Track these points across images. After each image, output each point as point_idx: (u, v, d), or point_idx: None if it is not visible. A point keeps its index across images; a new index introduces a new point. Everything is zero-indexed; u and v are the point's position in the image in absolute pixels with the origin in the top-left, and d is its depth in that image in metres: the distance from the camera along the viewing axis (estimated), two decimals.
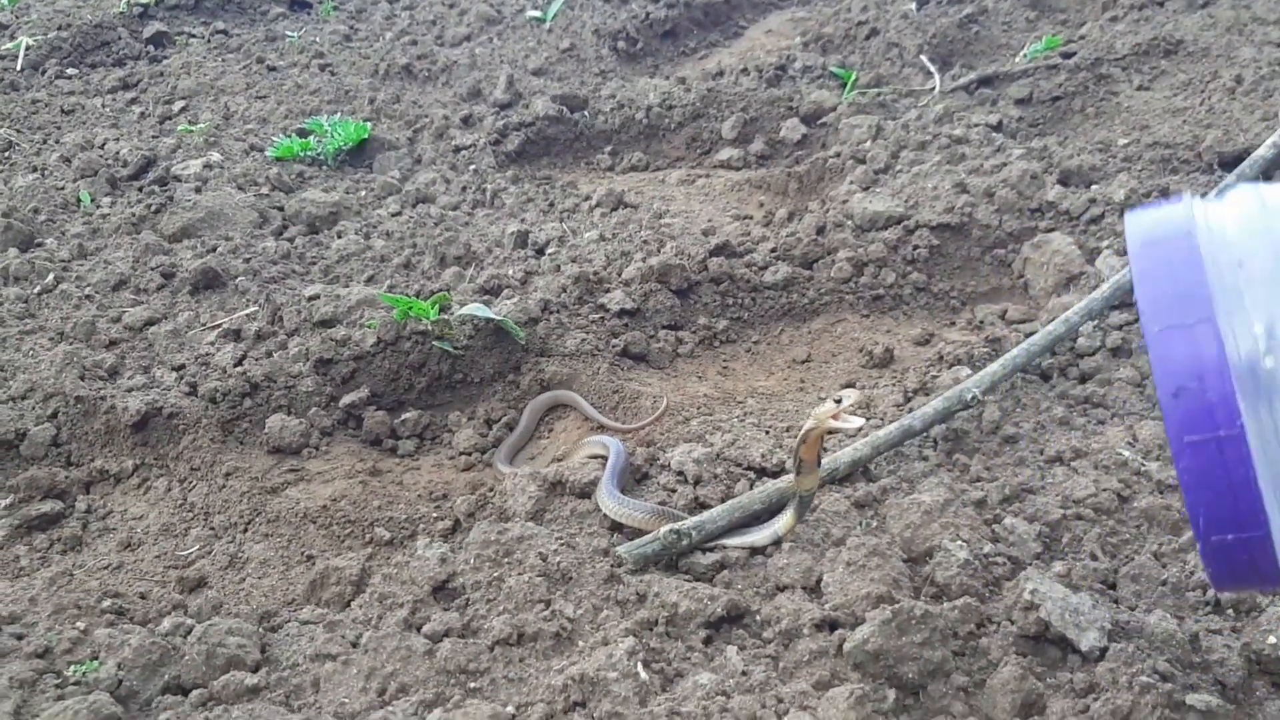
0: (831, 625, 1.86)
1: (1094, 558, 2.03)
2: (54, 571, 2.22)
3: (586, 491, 2.21)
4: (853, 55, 5.13)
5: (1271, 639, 1.80)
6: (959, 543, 2.01)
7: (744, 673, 1.77)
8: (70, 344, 2.97)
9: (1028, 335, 2.73)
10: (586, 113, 4.64)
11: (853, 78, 4.72)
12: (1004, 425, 2.41)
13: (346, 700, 1.76)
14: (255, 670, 1.87)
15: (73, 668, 1.89)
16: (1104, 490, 2.15)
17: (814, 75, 4.91)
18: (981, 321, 3.00)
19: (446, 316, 2.79)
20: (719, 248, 3.19)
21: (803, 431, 1.93)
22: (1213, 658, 1.79)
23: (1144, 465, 2.22)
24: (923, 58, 4.86)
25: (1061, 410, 2.44)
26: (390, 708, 1.72)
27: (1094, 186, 3.32)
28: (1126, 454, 2.26)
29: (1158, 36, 4.55)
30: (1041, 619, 1.81)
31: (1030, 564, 2.01)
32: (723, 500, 2.16)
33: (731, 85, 4.78)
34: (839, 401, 1.89)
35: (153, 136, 4.78)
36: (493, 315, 2.75)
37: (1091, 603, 1.85)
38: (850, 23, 5.36)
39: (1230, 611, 1.90)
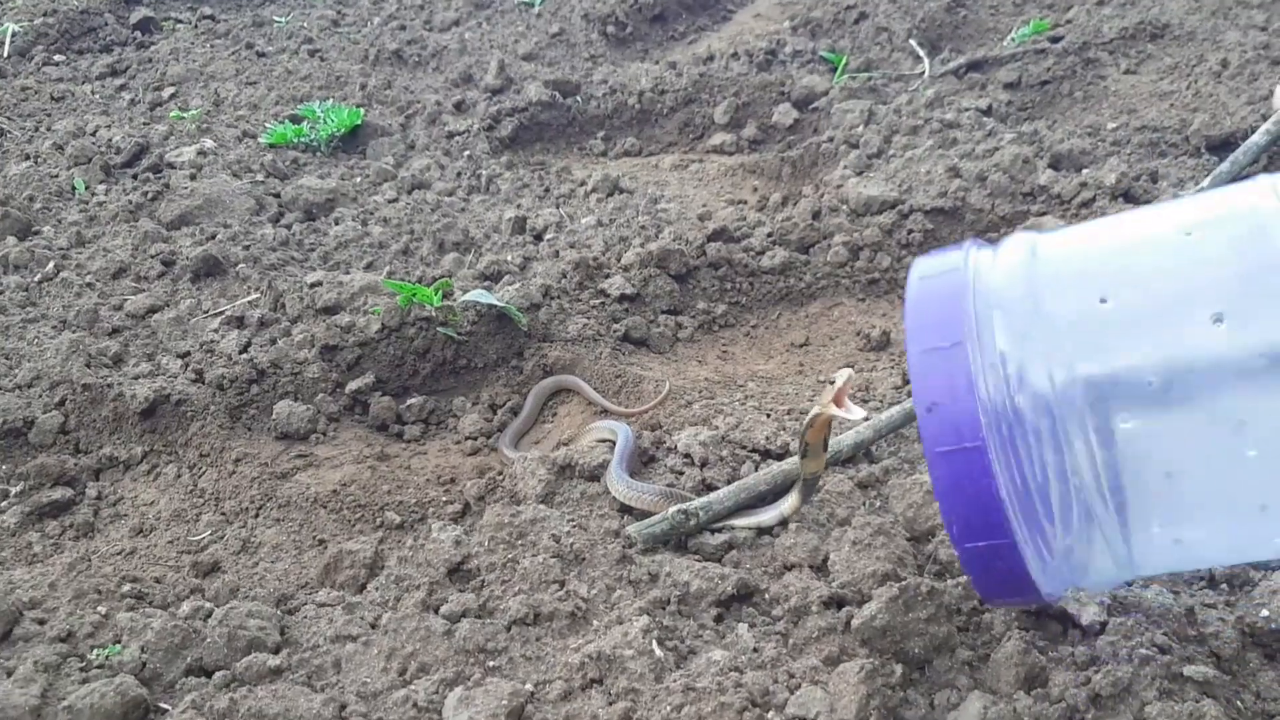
0: (839, 603, 1.91)
1: None
2: (73, 557, 2.25)
3: (596, 475, 2.26)
4: (842, 39, 5.16)
5: (1265, 612, 1.86)
6: None
7: (755, 649, 1.82)
8: (74, 332, 3.00)
9: None
10: (579, 98, 4.66)
11: (843, 62, 4.76)
12: None
13: (368, 680, 1.81)
14: (276, 652, 1.91)
15: (95, 651, 1.92)
16: None
17: (804, 60, 4.94)
18: None
19: (450, 303, 2.82)
20: (717, 233, 3.23)
21: (809, 417, 1.98)
22: (1208, 630, 1.85)
23: None
24: (912, 42, 4.91)
25: None
26: (412, 686, 1.77)
27: (1085, 170, 3.37)
28: None
29: (1144, 20, 4.61)
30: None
31: None
32: (729, 482, 2.21)
33: (723, 70, 4.81)
34: (833, 383, 1.93)
35: (144, 123, 4.79)
36: (496, 301, 2.79)
37: None
38: (839, 6, 5.39)
39: (1224, 586, 1.96)
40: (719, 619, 1.91)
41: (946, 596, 1.83)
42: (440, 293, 2.80)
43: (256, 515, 2.43)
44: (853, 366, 2.81)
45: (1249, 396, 1.19)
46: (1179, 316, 1.23)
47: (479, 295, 2.79)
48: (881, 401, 2.53)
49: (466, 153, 4.31)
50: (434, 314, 2.80)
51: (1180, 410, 1.22)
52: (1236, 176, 3.05)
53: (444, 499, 2.43)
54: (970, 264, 1.30)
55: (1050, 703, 1.72)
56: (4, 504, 2.52)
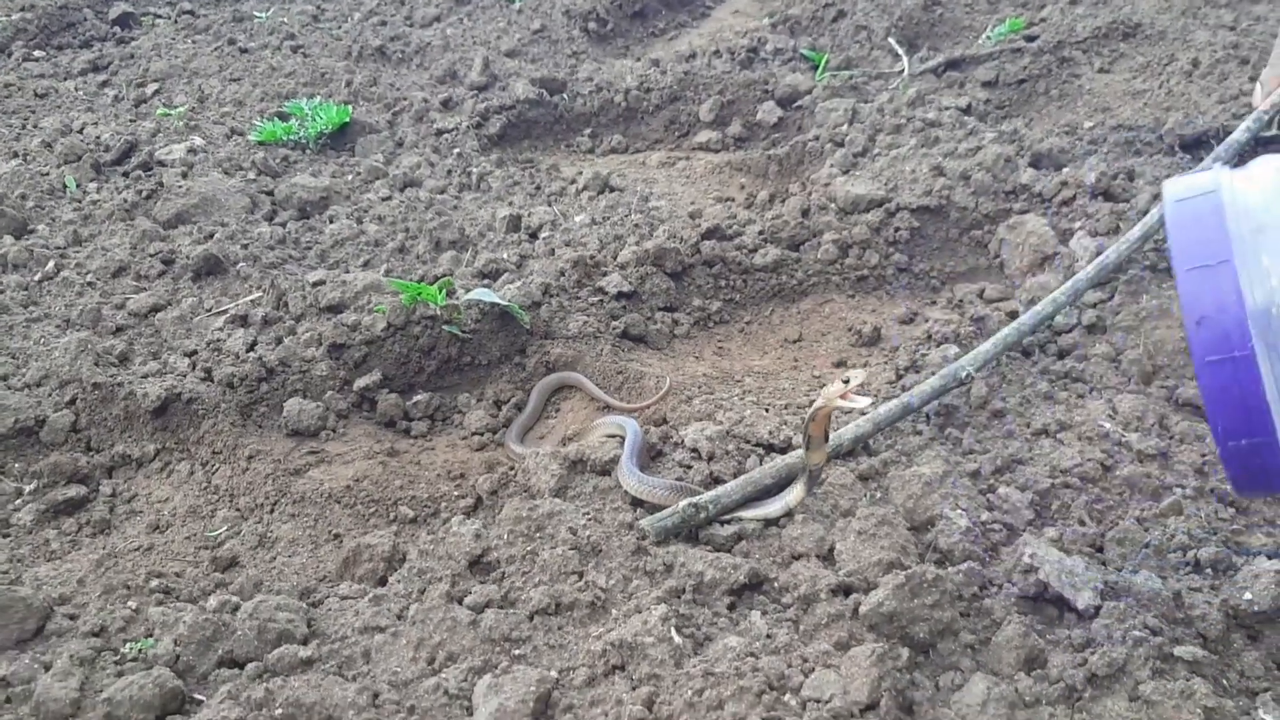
0: (846, 590, 2.00)
1: (1082, 523, 2.19)
2: (99, 554, 2.30)
3: (607, 469, 2.33)
4: (821, 37, 5.25)
5: (1247, 595, 1.96)
6: (959, 511, 2.16)
7: (769, 635, 1.90)
8: (79, 331, 3.03)
9: (1010, 315, 2.89)
10: (565, 95, 4.73)
11: (824, 60, 4.85)
12: (992, 400, 2.56)
13: (399, 669, 1.87)
14: (305, 643, 1.97)
15: (129, 645, 1.98)
16: (1089, 460, 2.31)
17: (785, 58, 5.03)
18: (961, 300, 3.15)
19: (454, 301, 2.88)
20: (710, 231, 3.31)
21: (812, 409, 2.07)
22: (1195, 613, 1.95)
23: (1124, 436, 2.38)
24: (890, 40, 5.00)
25: (1045, 385, 2.60)
26: (442, 675, 1.84)
27: (1065, 169, 3.48)
28: (1108, 426, 2.42)
29: (1116, 20, 4.72)
30: (1040, 580, 1.96)
31: (1024, 530, 2.16)
32: (735, 475, 2.29)
33: (706, 68, 4.89)
34: (847, 382, 2.03)
35: (130, 120, 4.80)
36: (499, 300, 2.85)
37: (1084, 565, 2.00)
38: (817, 4, 5.48)
39: (1209, 571, 2.07)
40: (732, 607, 1.99)
41: (949, 583, 1.93)
42: (444, 291, 2.86)
43: (272, 511, 2.49)
44: (846, 362, 2.90)
45: None
46: None
47: (482, 294, 2.86)
48: (877, 396, 2.62)
49: (456, 150, 4.36)
50: (438, 312, 2.86)
51: None
52: None
53: (455, 493, 2.49)
54: (1223, 186, 1.40)
55: (1049, 683, 1.82)
56: (19, 502, 2.56)
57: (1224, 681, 1.86)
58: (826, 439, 2.14)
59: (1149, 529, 2.16)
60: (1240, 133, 3.18)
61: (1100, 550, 2.13)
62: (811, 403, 2.62)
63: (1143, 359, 2.65)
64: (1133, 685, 1.79)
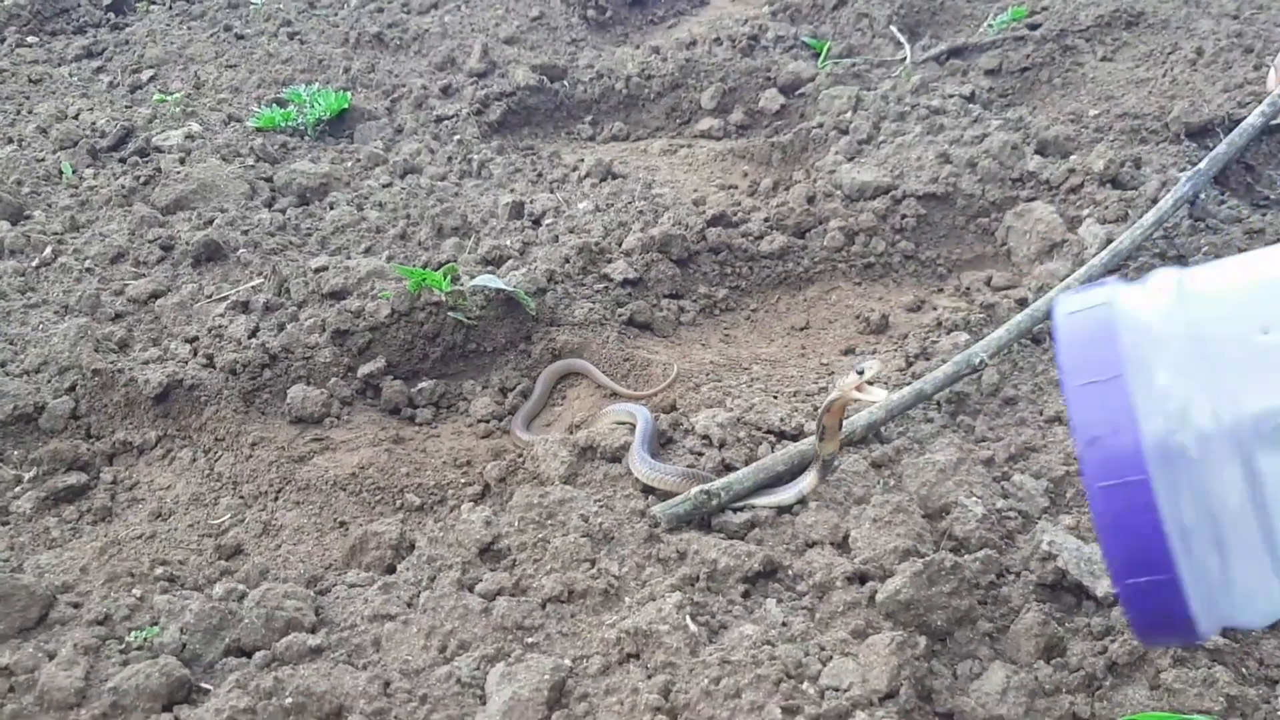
0: (862, 578, 1.97)
1: None
2: (102, 541, 2.27)
3: (617, 456, 2.31)
4: (823, 25, 5.22)
5: None
6: (974, 499, 2.13)
7: (784, 623, 1.88)
8: (77, 317, 3.00)
9: (1019, 301, 2.87)
10: (566, 82, 4.69)
11: (826, 48, 4.82)
12: (1004, 387, 2.54)
13: (410, 658, 1.85)
14: (313, 631, 1.95)
15: (134, 633, 1.95)
16: None
17: (787, 45, 4.99)
18: (968, 288, 3.13)
19: (459, 287, 2.85)
20: (716, 218, 3.28)
21: (827, 400, 2.04)
22: None
23: None
24: (892, 28, 4.97)
25: (1056, 373, 2.58)
26: (455, 664, 1.81)
27: (1072, 157, 3.46)
28: None
29: (1119, 8, 4.70)
30: (1059, 568, 1.94)
31: (1040, 517, 2.14)
32: (747, 462, 2.27)
33: (707, 55, 4.85)
34: (861, 373, 2.00)
35: (126, 106, 4.76)
36: (505, 286, 2.82)
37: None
38: None
39: None
40: (746, 595, 1.97)
41: (967, 571, 1.91)
42: (449, 277, 2.83)
43: (276, 498, 2.46)
44: (854, 350, 2.88)
45: None
46: None
47: (487, 280, 2.83)
48: (886, 384, 2.59)
49: (456, 137, 4.32)
50: (443, 299, 2.83)
51: None
52: (1234, 159, 3.13)
53: (462, 480, 2.47)
54: (1118, 300, 1.30)
55: (1069, 671, 1.80)
56: (18, 489, 2.52)
57: (1243, 669, 1.84)
58: (841, 428, 2.12)
59: None
60: (1255, 117, 3.15)
61: None
62: (826, 392, 2.60)
63: None
64: (1154, 674, 1.77)
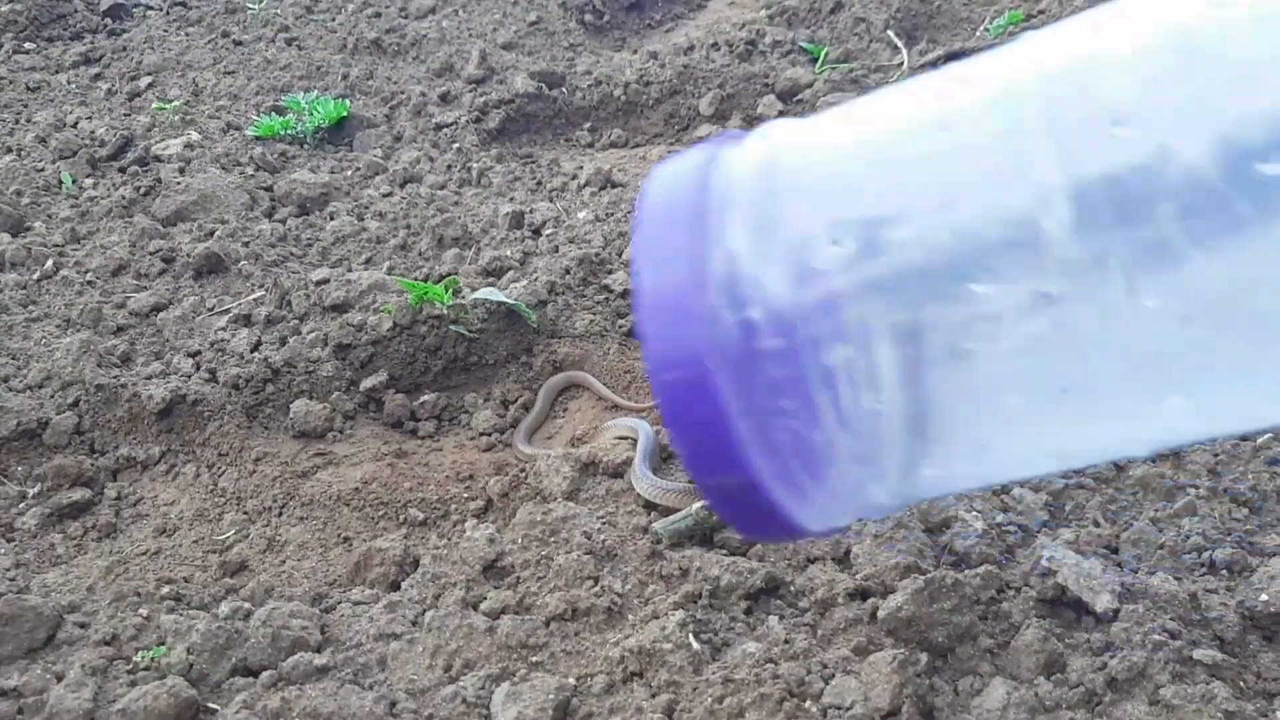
0: (863, 594, 1.99)
1: (1096, 524, 2.18)
2: (108, 560, 2.29)
3: (619, 472, 2.32)
4: (820, 30, 5.23)
5: (1264, 596, 1.96)
6: (974, 513, 2.15)
7: (787, 640, 1.89)
8: (79, 331, 3.01)
9: None
10: (564, 89, 4.70)
11: (823, 53, 4.84)
12: None
13: (415, 677, 1.86)
14: (319, 651, 1.96)
15: (140, 653, 1.96)
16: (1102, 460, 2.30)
17: (784, 50, 5.00)
18: None
19: (461, 300, 2.86)
20: None
21: None
22: (1211, 615, 1.95)
23: None
24: (889, 33, 4.98)
25: None
26: (460, 683, 1.83)
27: None
28: None
29: None
30: (1059, 584, 1.96)
31: (1039, 531, 2.16)
32: None
33: (705, 61, 4.86)
34: None
35: (125, 114, 4.77)
36: (506, 299, 2.84)
37: (1101, 567, 2.00)
38: None
39: (1224, 572, 2.07)
40: (749, 611, 1.98)
41: (968, 587, 1.92)
42: (450, 290, 2.85)
43: (280, 514, 2.48)
44: None
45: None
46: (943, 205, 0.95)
47: (489, 293, 2.84)
48: None
49: (455, 145, 4.33)
50: (445, 312, 2.84)
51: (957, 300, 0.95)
52: None
53: (465, 495, 2.48)
54: (713, 160, 1.01)
55: (1069, 687, 1.81)
56: (22, 506, 2.54)
57: (1241, 684, 1.86)
58: None
59: (1163, 530, 2.16)
60: None
61: (1115, 551, 2.13)
62: None
63: None
64: (1153, 689, 1.79)
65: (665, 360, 0.97)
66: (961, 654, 1.90)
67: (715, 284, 0.95)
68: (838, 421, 0.98)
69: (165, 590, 2.16)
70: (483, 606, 1.99)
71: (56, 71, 5.38)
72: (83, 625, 2.04)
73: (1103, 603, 1.94)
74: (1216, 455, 2.34)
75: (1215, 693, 1.76)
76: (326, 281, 3.10)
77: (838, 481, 1.01)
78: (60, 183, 4.04)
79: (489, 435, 2.74)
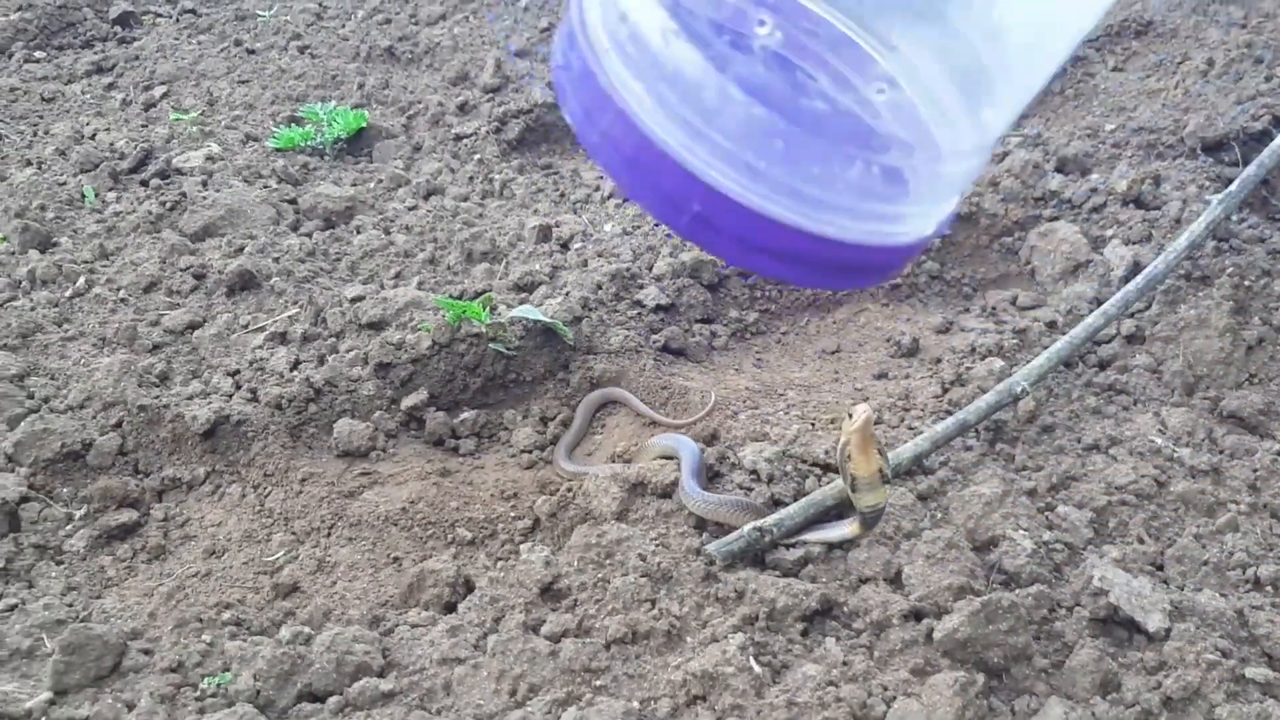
0: (917, 615, 2.02)
1: (1141, 541, 2.22)
2: (169, 586, 2.31)
3: (667, 492, 2.35)
4: None
5: None
6: (1021, 532, 2.19)
7: (845, 663, 1.93)
8: (116, 351, 3.03)
9: (1049, 324, 2.91)
10: None
11: None
12: (1040, 414, 2.59)
13: (481, 702, 1.89)
14: (382, 675, 1.99)
15: (206, 680, 1.99)
16: (1143, 476, 2.34)
17: None
18: (994, 308, 3.17)
19: (499, 319, 2.89)
20: None
21: (839, 450, 2.05)
22: (1259, 632, 1.99)
23: (1176, 452, 2.42)
24: None
25: (1092, 399, 2.63)
26: (527, 707, 1.86)
27: (1093, 175, 3.50)
28: (1159, 441, 2.45)
29: (1128, 17, 4.74)
30: (1110, 603, 1.99)
31: (1084, 549, 2.19)
32: (795, 496, 2.31)
33: None
34: (851, 416, 2.00)
35: (142, 125, 4.77)
36: (544, 318, 2.86)
37: (1151, 585, 2.04)
38: None
39: (1269, 589, 2.10)
40: (805, 633, 2.02)
41: (1022, 608, 1.96)
42: (488, 309, 2.87)
43: (329, 535, 2.50)
44: (886, 374, 2.92)
45: None
46: None
47: (526, 310, 2.87)
48: (924, 410, 2.64)
49: (476, 156, 4.35)
50: (484, 330, 2.87)
51: None
52: (1264, 180, 3.16)
53: (512, 514, 2.51)
54: None
55: (1125, 706, 1.85)
56: (69, 527, 2.56)
57: None
58: (879, 476, 2.04)
59: (1206, 546, 2.20)
60: None
61: (1160, 569, 2.17)
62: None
63: (1184, 370, 2.69)
64: (1208, 709, 1.82)
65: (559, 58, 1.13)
66: (1017, 674, 1.94)
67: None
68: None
69: (226, 616, 2.19)
70: (543, 630, 2.02)
71: (69, 81, 5.38)
72: (147, 652, 2.07)
73: (1154, 622, 1.97)
74: (1256, 471, 2.38)
75: (1271, 712, 1.80)
76: (361, 299, 3.12)
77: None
78: (83, 196, 4.05)
79: (530, 453, 2.76)
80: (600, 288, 3.14)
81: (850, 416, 1.99)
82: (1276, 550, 2.18)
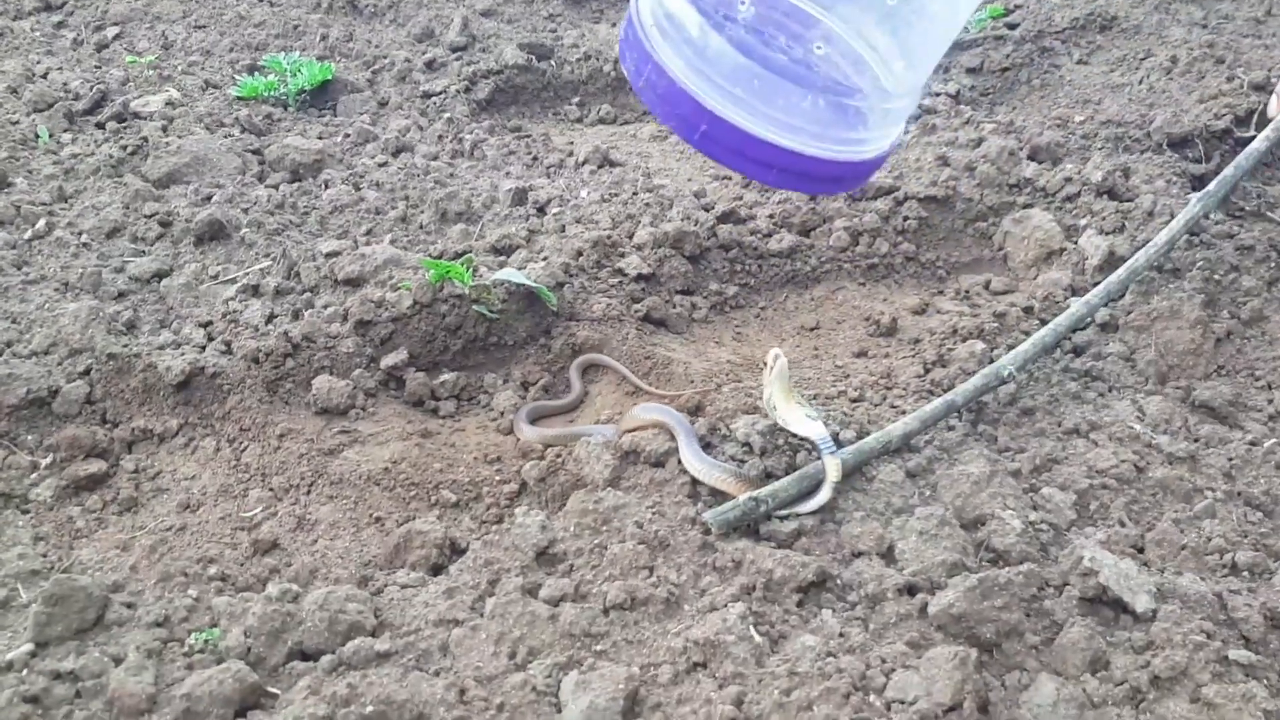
0: (911, 590, 2.05)
1: (1122, 524, 2.27)
2: (137, 535, 2.25)
3: (660, 461, 2.34)
4: None
5: None
6: (1009, 511, 2.22)
7: (842, 634, 1.94)
8: (82, 297, 2.93)
9: (1025, 309, 2.96)
10: (553, 62, 4.66)
11: None
12: (1021, 397, 2.63)
13: (481, 664, 1.87)
14: (375, 635, 1.96)
15: (193, 636, 1.94)
16: (1123, 461, 2.39)
17: None
18: (968, 291, 3.21)
19: (482, 280, 2.85)
20: (726, 214, 3.31)
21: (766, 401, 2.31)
22: (1237, 615, 2.04)
23: (1155, 438, 2.47)
24: None
25: (1071, 384, 2.67)
26: (528, 670, 1.84)
27: (1065, 164, 3.55)
28: (1137, 427, 2.50)
29: (1093, 11, 4.82)
30: (1100, 583, 2.03)
31: (1068, 530, 2.24)
32: (787, 469, 2.32)
33: None
34: (768, 365, 2.29)
35: (96, 67, 4.62)
36: (528, 282, 2.83)
37: (1137, 567, 2.08)
38: None
39: (1246, 574, 2.16)
40: (801, 604, 2.03)
41: (1015, 585, 1.99)
42: (471, 270, 2.83)
43: (308, 492, 2.45)
44: (866, 353, 2.94)
45: None
46: None
47: (510, 274, 2.83)
48: (905, 390, 2.67)
49: (445, 115, 4.28)
50: (467, 292, 2.83)
51: None
52: (1239, 181, 3.22)
53: (497, 478, 2.48)
54: None
55: (1114, 684, 1.89)
56: (35, 476, 2.48)
57: (1264, 682, 1.95)
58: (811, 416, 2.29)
59: (1185, 531, 2.25)
60: (1260, 141, 3.27)
61: (1141, 551, 2.22)
62: (844, 395, 2.67)
63: (1157, 359, 2.74)
64: (1194, 688, 1.87)
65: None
66: (1008, 650, 1.97)
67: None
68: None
69: (212, 571, 2.14)
70: (542, 594, 2.00)
71: (16, 18, 5.18)
72: (129, 605, 2.01)
73: (1142, 603, 2.02)
74: (1231, 460, 2.44)
75: (1255, 692, 1.85)
76: (338, 254, 3.06)
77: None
78: (37, 136, 3.91)
79: (510, 416, 2.73)
80: (581, 254, 3.11)
81: (767, 365, 2.26)
82: (1251, 537, 2.24)
